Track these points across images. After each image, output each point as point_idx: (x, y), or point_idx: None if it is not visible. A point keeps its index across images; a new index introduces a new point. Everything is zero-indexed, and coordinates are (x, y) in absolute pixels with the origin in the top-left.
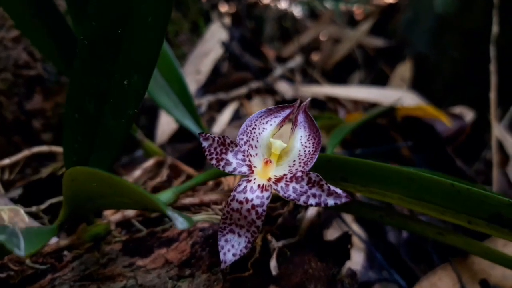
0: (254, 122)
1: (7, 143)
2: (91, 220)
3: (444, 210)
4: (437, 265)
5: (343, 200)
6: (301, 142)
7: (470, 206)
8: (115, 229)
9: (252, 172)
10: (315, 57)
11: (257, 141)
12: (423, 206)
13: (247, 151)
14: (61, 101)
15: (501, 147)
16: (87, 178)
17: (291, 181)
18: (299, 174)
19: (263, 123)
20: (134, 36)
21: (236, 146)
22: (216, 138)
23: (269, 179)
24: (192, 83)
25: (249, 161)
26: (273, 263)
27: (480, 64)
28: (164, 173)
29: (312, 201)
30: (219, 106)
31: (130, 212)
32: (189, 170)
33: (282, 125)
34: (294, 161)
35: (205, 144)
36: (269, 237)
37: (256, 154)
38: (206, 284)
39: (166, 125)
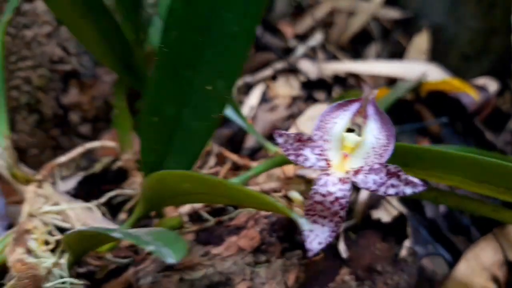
0: (326, 118)
1: (46, 137)
2: (162, 214)
3: (504, 191)
4: (474, 236)
5: (420, 189)
6: (373, 135)
7: None
8: (186, 221)
9: (330, 166)
10: (330, 32)
11: (330, 135)
12: (483, 187)
13: (323, 146)
14: (97, 94)
15: None
16: (181, 179)
17: (370, 173)
18: (377, 166)
19: (334, 118)
20: (217, 45)
21: (312, 141)
22: (292, 135)
23: (347, 172)
24: None
25: (326, 155)
26: (342, 246)
27: (500, 34)
28: (212, 161)
29: (391, 191)
30: (247, 89)
31: (198, 204)
32: (233, 157)
33: (354, 119)
34: (369, 153)
35: (280, 140)
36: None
37: (331, 148)
38: (282, 269)
39: None
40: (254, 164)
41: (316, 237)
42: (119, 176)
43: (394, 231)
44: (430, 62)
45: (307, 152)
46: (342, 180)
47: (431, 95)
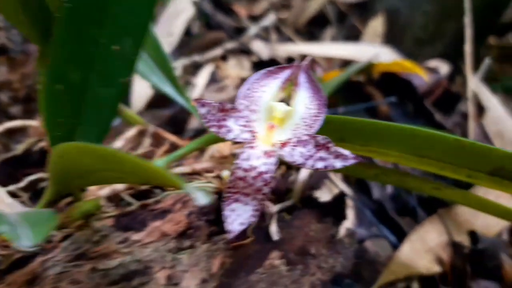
0: (253, 85)
1: None
2: (78, 197)
3: (444, 166)
4: (420, 217)
5: (351, 161)
6: (304, 104)
7: (473, 160)
8: (106, 205)
9: (255, 138)
10: (286, 14)
11: (257, 105)
12: (423, 162)
13: (248, 116)
14: (28, 72)
15: (476, 99)
16: (79, 154)
17: (297, 145)
18: (305, 137)
19: (262, 86)
20: None
21: (236, 111)
22: (215, 104)
23: (273, 145)
24: (165, 46)
25: (251, 126)
26: (273, 228)
27: (453, 18)
28: (147, 142)
29: (319, 164)
30: (194, 69)
31: (119, 186)
32: (171, 137)
33: (284, 88)
34: (298, 124)
35: (202, 111)
36: (265, 202)
37: (258, 119)
38: (207, 254)
39: (141, 91)
40: None
41: (237, 217)
42: (43, 159)
43: (333, 211)
44: (383, 45)
45: (230, 122)
46: (267, 154)
47: (383, 77)
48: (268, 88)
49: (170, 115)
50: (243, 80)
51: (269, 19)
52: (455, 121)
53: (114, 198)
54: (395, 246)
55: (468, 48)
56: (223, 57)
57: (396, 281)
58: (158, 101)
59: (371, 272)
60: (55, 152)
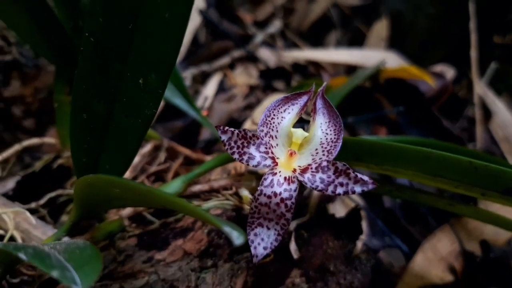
0: (273, 112)
1: None
2: (102, 217)
3: (458, 185)
4: (431, 226)
5: (370, 187)
6: (322, 130)
7: (486, 181)
8: (128, 224)
9: (276, 164)
10: (291, 19)
11: (277, 131)
12: (437, 181)
13: (269, 142)
14: (41, 86)
15: (483, 104)
16: (105, 185)
17: (317, 171)
18: (325, 163)
19: (281, 112)
20: (148, 33)
21: (258, 138)
22: (236, 132)
23: (294, 170)
24: None
25: (272, 152)
26: (293, 247)
27: (457, 21)
28: (162, 157)
29: (340, 190)
30: (203, 78)
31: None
32: (185, 151)
33: (302, 113)
34: (317, 149)
35: (224, 137)
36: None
37: (277, 145)
38: (230, 273)
39: None
40: (208, 158)
41: (261, 241)
42: (61, 175)
43: (349, 225)
44: (389, 49)
45: (252, 150)
46: (288, 180)
47: (390, 82)
48: (286, 114)
49: (181, 126)
50: (251, 88)
51: (275, 26)
52: (462, 126)
53: (136, 217)
54: (408, 256)
55: (473, 53)
56: (231, 66)
57: None
58: (169, 112)
59: (386, 285)
60: (83, 182)
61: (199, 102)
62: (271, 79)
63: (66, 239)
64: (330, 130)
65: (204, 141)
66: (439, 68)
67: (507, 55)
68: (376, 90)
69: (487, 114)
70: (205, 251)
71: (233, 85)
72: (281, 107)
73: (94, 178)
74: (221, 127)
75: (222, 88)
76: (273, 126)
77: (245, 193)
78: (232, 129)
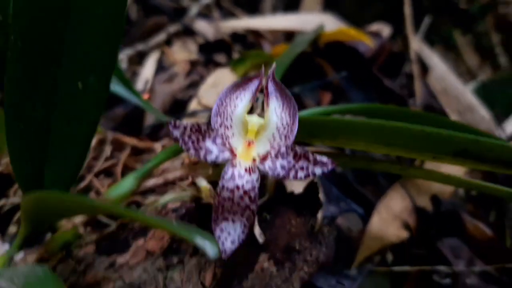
0: (224, 100)
1: None
2: (54, 227)
3: (410, 150)
4: (383, 185)
5: (330, 167)
6: (276, 114)
7: (438, 145)
8: (83, 230)
9: (235, 155)
10: None
11: (232, 120)
12: (390, 149)
13: (224, 133)
14: None
15: (419, 59)
16: (51, 201)
17: (277, 158)
18: (283, 149)
19: (233, 100)
20: (81, 31)
21: (213, 131)
22: (189, 126)
23: (254, 160)
24: None
25: (229, 144)
26: (257, 231)
27: None
28: (108, 150)
29: (300, 174)
30: (139, 58)
31: None
32: (132, 141)
33: (255, 98)
34: (274, 134)
35: (176, 133)
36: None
37: (233, 134)
38: (197, 268)
39: None
40: (156, 146)
41: (228, 236)
42: (3, 183)
43: (308, 200)
44: (326, 12)
45: (208, 143)
46: (249, 170)
47: (329, 46)
48: (239, 101)
49: (123, 114)
50: (192, 64)
51: None
52: (401, 83)
53: (91, 222)
54: (364, 218)
55: (407, 10)
56: (168, 42)
57: (371, 255)
58: (109, 100)
59: (348, 251)
60: (27, 199)
61: (139, 85)
62: (211, 52)
63: (21, 255)
64: (285, 114)
65: (149, 127)
66: (375, 27)
67: (438, 7)
68: (317, 55)
69: (425, 69)
70: (168, 248)
71: (173, 63)
72: (232, 94)
73: (40, 195)
74: (172, 123)
75: (161, 67)
76: (227, 115)
77: (203, 183)
78: (185, 123)
